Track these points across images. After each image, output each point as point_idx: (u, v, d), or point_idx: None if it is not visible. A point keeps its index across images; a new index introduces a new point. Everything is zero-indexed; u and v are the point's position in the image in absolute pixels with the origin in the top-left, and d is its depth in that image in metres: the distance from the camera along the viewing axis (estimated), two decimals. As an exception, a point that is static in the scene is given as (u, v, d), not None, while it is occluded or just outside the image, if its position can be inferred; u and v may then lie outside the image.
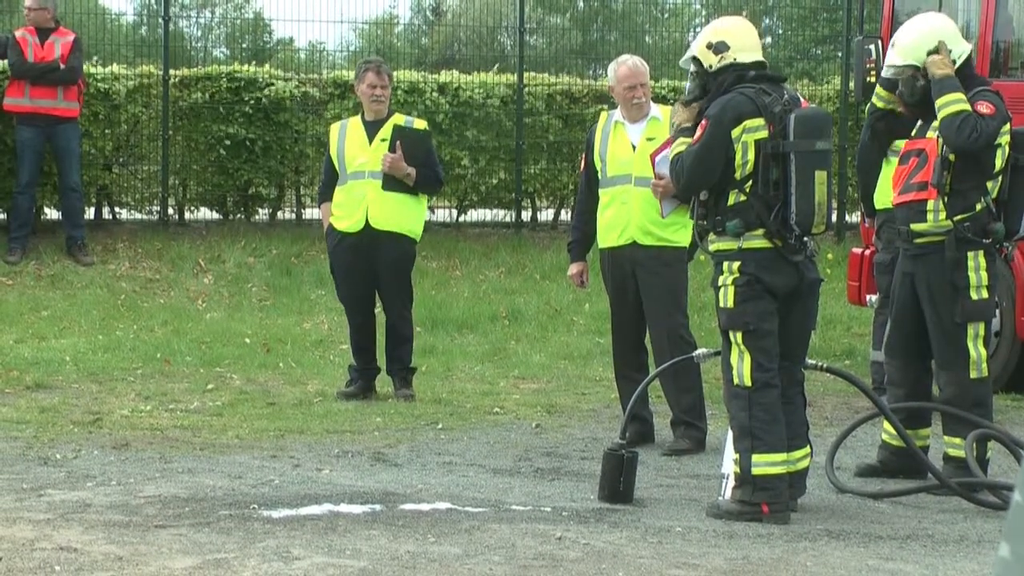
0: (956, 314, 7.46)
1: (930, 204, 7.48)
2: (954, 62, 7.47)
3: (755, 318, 6.78)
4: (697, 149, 6.84)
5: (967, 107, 7.34)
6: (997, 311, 10.21)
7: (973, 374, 7.51)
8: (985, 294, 7.52)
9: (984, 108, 7.39)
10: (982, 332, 7.54)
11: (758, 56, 6.97)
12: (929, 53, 7.46)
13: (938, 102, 7.38)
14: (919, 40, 7.54)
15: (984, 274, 7.50)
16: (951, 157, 7.43)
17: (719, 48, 6.91)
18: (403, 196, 9.68)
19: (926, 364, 7.78)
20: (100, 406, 9.28)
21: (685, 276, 8.54)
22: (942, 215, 7.46)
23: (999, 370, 10.23)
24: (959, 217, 7.44)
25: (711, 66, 6.93)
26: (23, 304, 12.79)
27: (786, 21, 24.29)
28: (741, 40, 6.94)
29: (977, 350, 7.50)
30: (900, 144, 8.00)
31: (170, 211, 15.60)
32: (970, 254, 7.48)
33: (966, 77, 7.51)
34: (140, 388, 9.93)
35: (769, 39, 25.64)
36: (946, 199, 7.44)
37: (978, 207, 7.46)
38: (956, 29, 7.65)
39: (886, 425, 7.74)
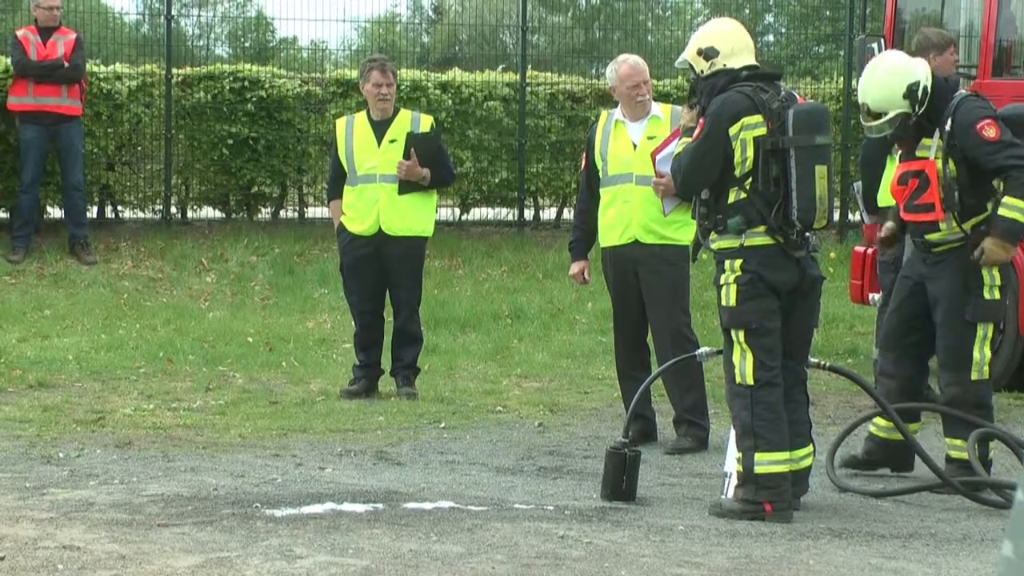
0: (968, 313, 7.44)
1: (941, 223, 7.46)
2: (926, 90, 7.34)
3: (757, 316, 6.78)
4: (695, 147, 6.87)
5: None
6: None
7: (975, 376, 7.49)
8: (997, 295, 7.48)
9: (991, 131, 7.32)
10: (990, 334, 7.50)
11: (749, 60, 6.98)
12: (907, 95, 7.33)
13: (1016, 207, 7.33)
14: (892, 93, 7.35)
15: (997, 274, 7.48)
16: (954, 175, 7.38)
17: (709, 54, 6.94)
18: (415, 197, 9.71)
19: (920, 361, 7.78)
20: (103, 405, 9.28)
21: (687, 274, 8.54)
22: (954, 224, 7.44)
23: (1002, 368, 10.22)
24: (973, 221, 7.41)
25: (702, 71, 6.97)
26: (26, 303, 12.79)
27: (789, 19, 24.29)
28: (731, 45, 6.96)
29: (982, 352, 7.48)
30: None
31: (173, 210, 15.60)
32: None
33: (942, 96, 7.41)
34: (143, 387, 9.94)
35: (771, 37, 25.63)
36: (956, 214, 7.42)
37: (989, 207, 7.45)
38: (914, 62, 7.50)
39: (877, 418, 7.76)
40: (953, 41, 9.12)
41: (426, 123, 9.88)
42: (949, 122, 7.37)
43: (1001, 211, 7.33)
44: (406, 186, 9.66)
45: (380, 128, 9.74)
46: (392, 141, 9.69)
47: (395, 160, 9.64)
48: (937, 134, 7.39)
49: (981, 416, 7.50)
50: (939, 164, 7.40)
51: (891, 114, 7.38)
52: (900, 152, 7.79)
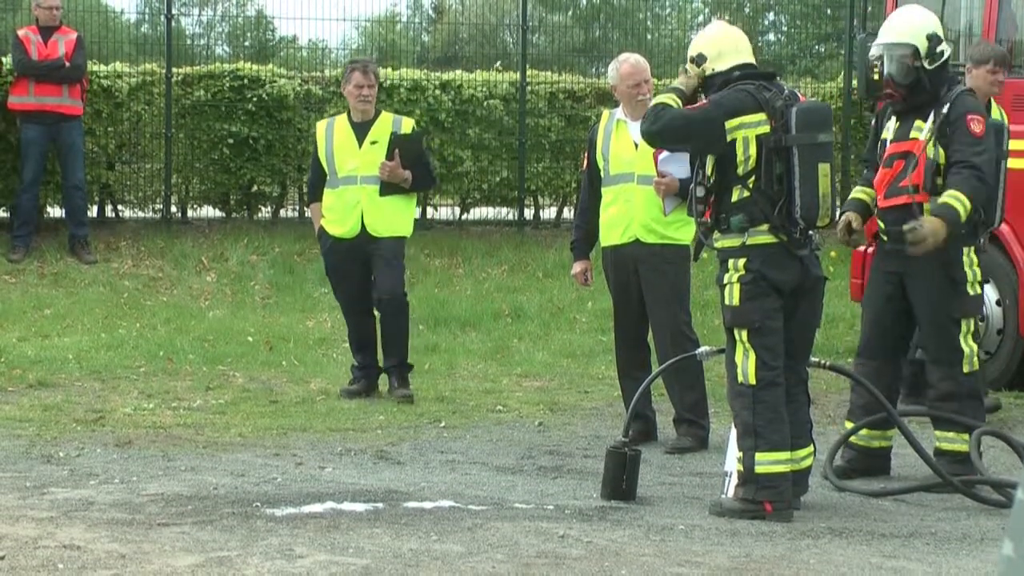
0: (956, 310, 7.49)
1: (926, 206, 7.48)
2: (941, 54, 7.47)
3: (761, 316, 6.79)
4: (689, 114, 6.91)
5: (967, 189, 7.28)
6: (1000, 308, 10.23)
7: (966, 369, 7.56)
8: (978, 289, 7.60)
9: (978, 127, 7.40)
10: (973, 327, 7.60)
11: (739, 59, 7.00)
12: (928, 37, 7.44)
13: (960, 200, 7.29)
14: (919, 24, 7.54)
15: (977, 270, 7.58)
16: (941, 161, 7.43)
17: (699, 61, 7.06)
18: (397, 199, 9.68)
19: (898, 362, 7.80)
20: (103, 404, 9.28)
21: (688, 274, 8.55)
22: None
23: (1002, 368, 10.23)
24: None
25: (697, 76, 7.05)
26: (26, 302, 12.79)
27: (789, 17, 24.26)
28: (717, 48, 7.01)
29: (969, 345, 7.56)
30: None
31: (173, 209, 15.58)
32: (964, 249, 7.53)
33: (945, 75, 7.52)
34: (143, 386, 9.94)
35: (772, 36, 25.64)
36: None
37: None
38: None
39: (848, 424, 7.79)
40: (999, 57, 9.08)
41: (407, 125, 9.85)
42: (947, 107, 7.44)
43: (949, 200, 7.26)
44: (388, 187, 9.63)
45: (361, 130, 9.71)
46: (374, 143, 9.65)
47: (377, 161, 9.60)
48: (932, 116, 7.44)
49: (975, 405, 7.58)
50: (930, 148, 7.42)
51: (905, 45, 7.41)
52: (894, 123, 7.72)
